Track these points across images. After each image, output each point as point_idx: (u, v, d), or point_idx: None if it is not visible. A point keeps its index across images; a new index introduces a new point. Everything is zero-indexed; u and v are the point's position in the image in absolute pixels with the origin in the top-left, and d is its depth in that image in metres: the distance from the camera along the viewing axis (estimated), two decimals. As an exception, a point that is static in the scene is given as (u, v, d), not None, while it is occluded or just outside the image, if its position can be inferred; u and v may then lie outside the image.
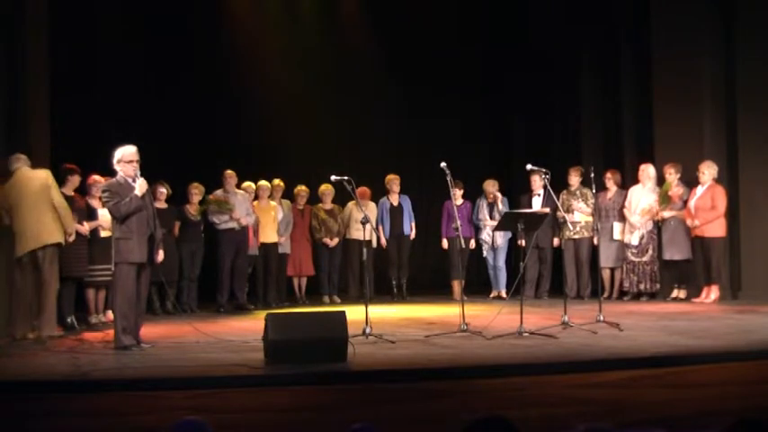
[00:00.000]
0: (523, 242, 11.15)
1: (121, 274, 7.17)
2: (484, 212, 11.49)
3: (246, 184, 10.88)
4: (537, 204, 11.14)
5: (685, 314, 9.04)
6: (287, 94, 12.53)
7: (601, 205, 10.85)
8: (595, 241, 10.75)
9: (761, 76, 10.15)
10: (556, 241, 11.23)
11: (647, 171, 10.69)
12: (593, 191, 9.47)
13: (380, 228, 11.49)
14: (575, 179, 11.13)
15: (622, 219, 10.81)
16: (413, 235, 11.67)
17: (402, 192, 11.75)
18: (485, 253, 11.57)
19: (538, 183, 11.18)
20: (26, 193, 8.05)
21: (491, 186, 11.46)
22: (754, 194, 10.24)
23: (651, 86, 11.03)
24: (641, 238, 10.63)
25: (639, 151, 11.29)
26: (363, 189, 11.10)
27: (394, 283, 11.69)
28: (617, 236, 10.76)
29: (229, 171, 10.70)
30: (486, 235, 11.46)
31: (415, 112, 13.01)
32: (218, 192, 10.57)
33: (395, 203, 11.66)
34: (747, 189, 10.29)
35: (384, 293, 11.61)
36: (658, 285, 10.69)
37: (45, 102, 9.14)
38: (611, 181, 10.94)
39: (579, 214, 10.99)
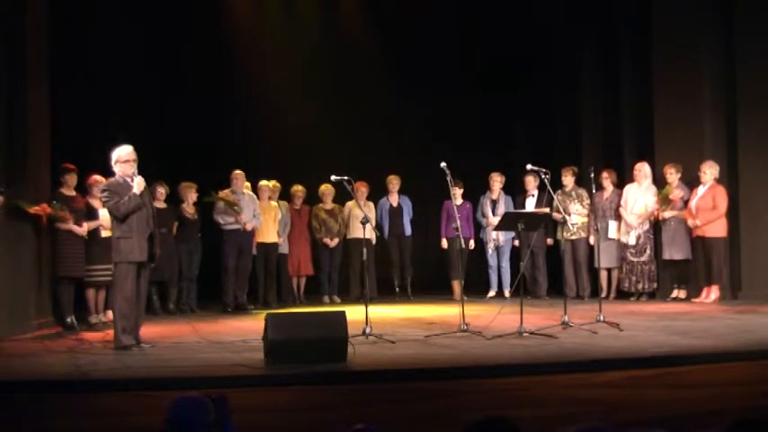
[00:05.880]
0: (518, 242, 11.20)
1: (121, 274, 7.18)
2: (487, 209, 11.48)
3: (245, 184, 10.85)
4: (530, 205, 11.14)
5: (685, 314, 9.05)
6: (287, 93, 12.51)
7: (597, 205, 10.85)
8: (591, 241, 10.78)
9: (761, 76, 10.15)
10: (549, 241, 11.23)
11: (644, 170, 10.69)
12: (594, 190, 9.50)
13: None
14: (568, 179, 11.13)
15: (619, 218, 10.81)
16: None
17: (402, 192, 11.75)
18: (489, 252, 11.56)
19: (532, 183, 11.20)
20: None
21: (497, 179, 11.40)
22: (754, 194, 10.24)
23: (651, 86, 11.03)
24: (638, 237, 10.63)
25: (639, 151, 11.28)
26: (360, 183, 11.03)
27: (396, 282, 11.68)
28: (612, 234, 10.76)
29: (238, 171, 10.65)
30: (489, 234, 11.43)
31: (415, 111, 12.99)
32: (227, 191, 10.54)
33: (394, 204, 11.66)
34: (747, 189, 10.28)
35: (385, 293, 11.60)
36: (656, 285, 10.69)
37: (45, 102, 9.15)
38: (607, 180, 10.94)
39: (575, 215, 10.99)
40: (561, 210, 9.77)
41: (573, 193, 11.10)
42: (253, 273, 10.86)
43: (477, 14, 12.97)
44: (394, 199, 11.68)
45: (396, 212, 11.65)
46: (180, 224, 10.35)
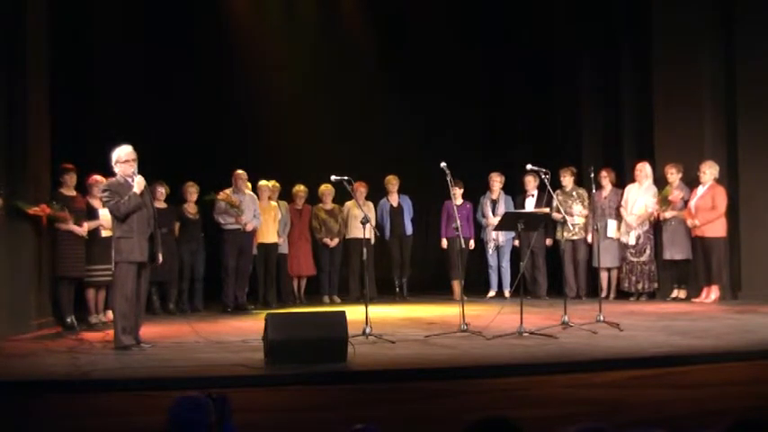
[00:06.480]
0: (518, 242, 11.21)
1: (122, 274, 7.18)
2: (487, 209, 11.47)
3: (247, 184, 10.84)
4: (530, 205, 11.14)
5: (685, 314, 9.05)
6: (286, 93, 12.50)
7: (596, 204, 10.85)
8: (589, 239, 10.78)
9: (761, 76, 10.15)
10: (548, 241, 11.24)
11: (645, 170, 10.68)
12: (594, 190, 9.51)
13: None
14: (567, 179, 11.13)
15: (618, 217, 10.81)
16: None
17: (402, 192, 11.75)
18: (490, 251, 11.55)
19: (532, 183, 11.21)
20: None
21: (496, 179, 11.41)
22: (754, 194, 10.24)
23: (651, 86, 11.02)
24: (638, 237, 10.63)
25: (639, 151, 11.28)
26: (360, 183, 11.02)
27: (397, 282, 11.69)
28: (611, 234, 10.75)
29: (240, 171, 10.64)
30: (489, 234, 11.42)
31: (415, 111, 12.99)
32: (228, 191, 10.54)
33: (394, 204, 11.66)
34: (747, 189, 10.28)
35: (385, 293, 11.60)
36: (656, 285, 10.70)
37: (45, 102, 9.15)
38: (606, 179, 10.93)
39: (577, 217, 10.99)
40: (561, 210, 9.78)
41: (574, 194, 11.10)
42: (253, 273, 10.87)
43: (477, 14, 12.97)
44: (394, 199, 11.68)
45: (396, 212, 11.65)
46: (182, 224, 10.36)
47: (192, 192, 10.51)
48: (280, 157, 12.08)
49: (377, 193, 11.71)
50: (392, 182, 11.65)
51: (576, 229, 11.02)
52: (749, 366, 6.26)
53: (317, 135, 12.39)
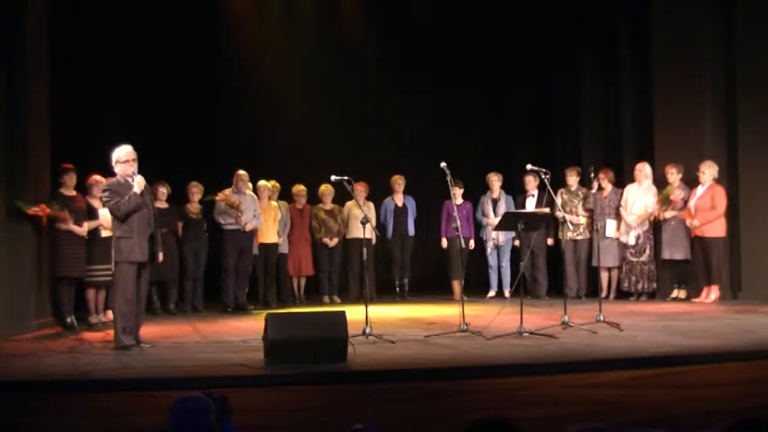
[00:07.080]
0: (518, 242, 11.21)
1: (122, 274, 7.18)
2: (488, 208, 11.47)
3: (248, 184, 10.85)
4: (531, 205, 11.14)
5: (685, 314, 9.05)
6: (286, 93, 12.50)
7: (596, 204, 10.84)
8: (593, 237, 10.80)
9: (761, 76, 10.15)
10: (549, 241, 11.24)
11: (644, 170, 10.68)
12: (594, 190, 9.50)
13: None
14: (573, 179, 11.13)
15: (618, 217, 10.81)
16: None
17: (404, 191, 11.75)
18: (489, 251, 11.55)
19: (532, 183, 11.21)
20: None
21: (495, 178, 11.42)
22: (754, 194, 10.24)
23: (651, 87, 11.03)
24: (637, 237, 10.63)
25: (639, 151, 11.29)
26: (360, 183, 11.00)
27: (397, 283, 11.69)
28: (611, 233, 10.75)
29: (241, 171, 10.63)
30: (489, 233, 11.42)
31: (415, 111, 12.98)
32: (227, 191, 10.54)
33: (399, 204, 11.67)
34: (747, 189, 10.28)
35: (385, 293, 11.60)
36: (655, 285, 10.70)
37: (45, 102, 9.15)
38: (605, 180, 10.93)
39: (582, 217, 11.00)
40: (561, 209, 9.77)
41: (579, 193, 11.11)
42: (253, 273, 10.86)
43: (477, 14, 12.96)
44: (399, 199, 11.68)
45: (400, 212, 11.65)
46: (185, 224, 10.37)
47: (195, 192, 10.52)
48: (280, 157, 12.08)
49: (377, 193, 11.71)
50: (398, 181, 11.65)
51: (581, 229, 11.02)
52: (749, 366, 6.26)
53: (316, 135, 12.38)
